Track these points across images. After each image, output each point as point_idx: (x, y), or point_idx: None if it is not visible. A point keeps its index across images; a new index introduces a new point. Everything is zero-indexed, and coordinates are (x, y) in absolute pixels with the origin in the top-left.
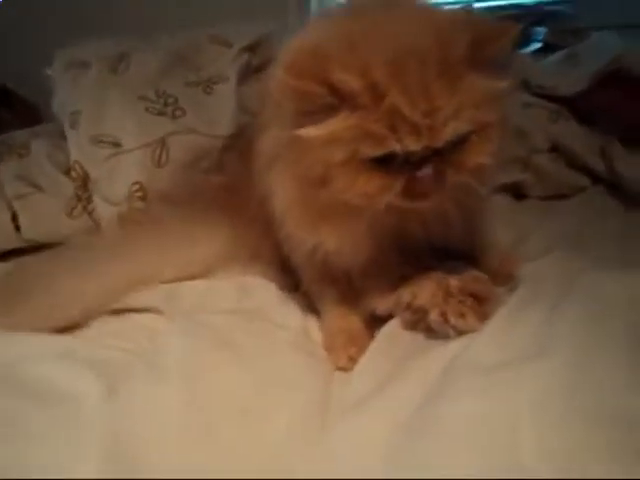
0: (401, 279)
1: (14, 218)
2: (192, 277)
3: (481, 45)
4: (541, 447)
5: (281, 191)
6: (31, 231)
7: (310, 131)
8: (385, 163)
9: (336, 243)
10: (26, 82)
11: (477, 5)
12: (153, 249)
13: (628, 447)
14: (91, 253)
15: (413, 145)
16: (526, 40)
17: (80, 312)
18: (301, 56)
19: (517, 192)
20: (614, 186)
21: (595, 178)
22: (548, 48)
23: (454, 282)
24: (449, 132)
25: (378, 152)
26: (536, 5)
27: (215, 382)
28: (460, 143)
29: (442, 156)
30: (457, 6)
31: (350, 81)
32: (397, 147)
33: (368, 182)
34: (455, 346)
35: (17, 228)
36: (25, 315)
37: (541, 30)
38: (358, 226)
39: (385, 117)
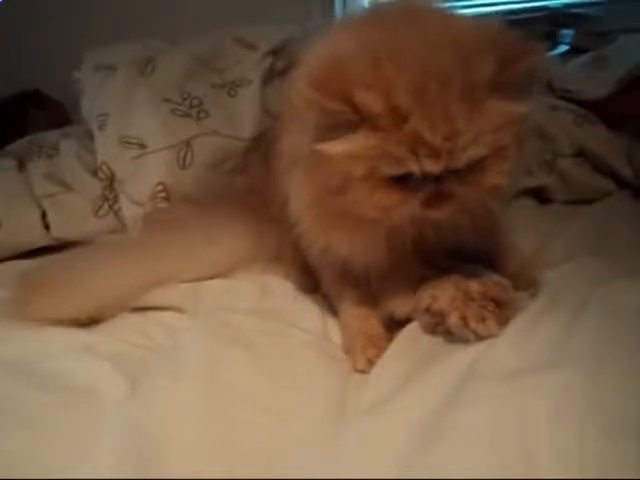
0: (419, 281)
1: (43, 216)
2: (214, 277)
3: (505, 68)
4: (556, 457)
5: (299, 193)
6: (60, 229)
7: (330, 146)
8: (403, 180)
9: (348, 247)
10: (56, 85)
11: (504, 7)
12: (176, 248)
13: None
14: (114, 251)
15: (432, 167)
16: (553, 43)
17: (100, 308)
18: (325, 72)
19: (541, 196)
20: None
21: (621, 183)
22: (575, 51)
23: (475, 286)
24: (468, 155)
25: (397, 171)
26: (563, 7)
27: (234, 381)
28: (477, 163)
29: (458, 174)
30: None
31: (373, 103)
32: (416, 168)
33: (385, 197)
34: (473, 351)
35: (46, 226)
36: (46, 307)
37: (568, 33)
38: (372, 232)
39: (406, 140)
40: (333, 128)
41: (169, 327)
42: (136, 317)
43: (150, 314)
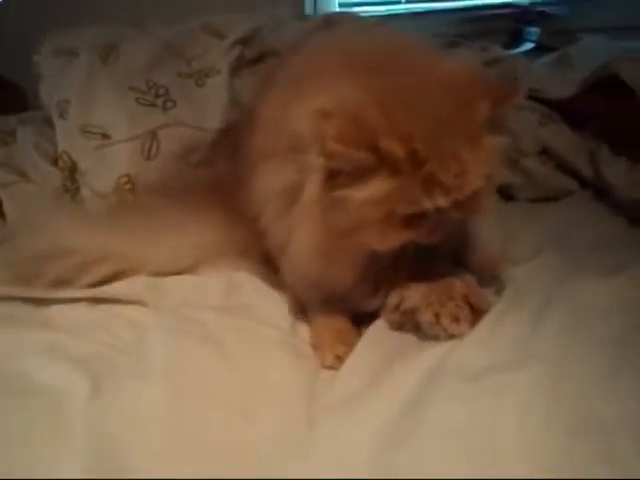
0: (387, 277)
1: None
2: (179, 270)
3: (496, 109)
4: (524, 455)
5: (302, 236)
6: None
7: (352, 193)
8: (413, 216)
9: (339, 276)
10: (13, 67)
11: (470, 3)
12: (141, 231)
13: (607, 455)
14: (78, 226)
15: (444, 203)
16: (519, 40)
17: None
18: (345, 125)
19: (506, 194)
20: (601, 191)
21: (583, 182)
22: (540, 49)
23: (459, 286)
24: (472, 188)
25: (413, 210)
26: (529, 5)
27: (201, 381)
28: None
29: (459, 204)
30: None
31: (395, 149)
32: (430, 205)
33: (398, 235)
34: (442, 348)
35: (3, 216)
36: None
37: (534, 31)
38: (363, 259)
39: (423, 182)
40: (351, 175)
41: (134, 324)
42: (98, 310)
43: (115, 309)
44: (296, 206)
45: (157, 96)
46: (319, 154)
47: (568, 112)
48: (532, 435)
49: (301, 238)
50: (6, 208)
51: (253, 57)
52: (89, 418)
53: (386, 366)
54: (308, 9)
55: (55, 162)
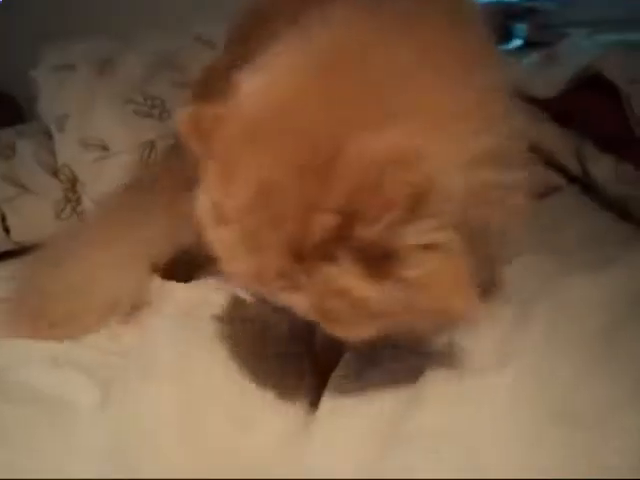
0: None
1: (3, 220)
2: None
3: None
4: (502, 463)
5: None
6: (21, 233)
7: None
8: None
9: None
10: (9, 81)
11: None
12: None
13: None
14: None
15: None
16: (507, 37)
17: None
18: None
19: None
20: (589, 187)
21: (571, 178)
22: (530, 45)
23: None
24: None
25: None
26: (518, 1)
27: (205, 385)
28: None
29: None
30: None
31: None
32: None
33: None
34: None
35: (6, 230)
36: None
37: (522, 27)
38: None
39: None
40: None
41: (137, 327)
42: None
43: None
44: None
45: (153, 107)
46: None
47: (554, 110)
48: (509, 441)
49: None
50: (10, 222)
51: None
52: (101, 427)
53: (380, 370)
54: None
55: (55, 173)
